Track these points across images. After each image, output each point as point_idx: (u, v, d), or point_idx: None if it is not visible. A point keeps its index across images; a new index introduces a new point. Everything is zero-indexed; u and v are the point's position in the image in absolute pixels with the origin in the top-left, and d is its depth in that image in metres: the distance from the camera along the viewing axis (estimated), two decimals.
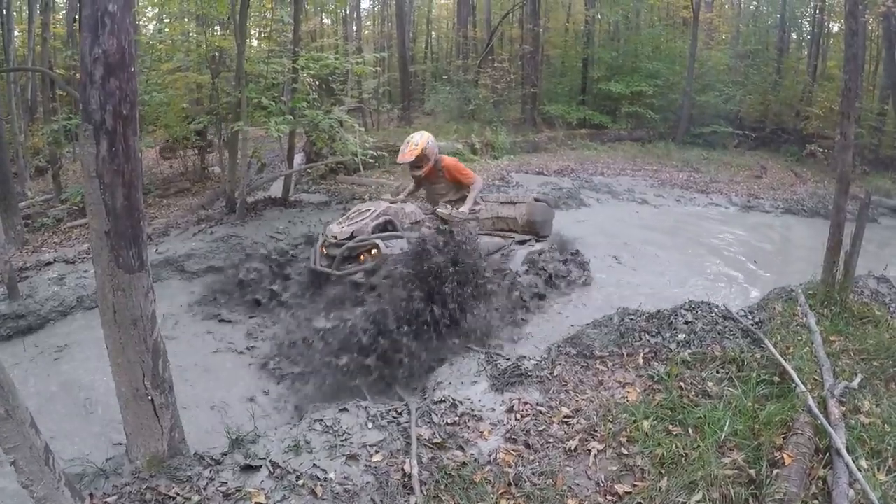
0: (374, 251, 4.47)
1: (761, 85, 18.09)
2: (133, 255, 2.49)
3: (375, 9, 27.08)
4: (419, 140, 4.99)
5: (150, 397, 2.66)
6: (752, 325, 4.55)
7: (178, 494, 2.55)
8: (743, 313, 4.87)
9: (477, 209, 5.42)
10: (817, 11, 18.54)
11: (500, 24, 19.18)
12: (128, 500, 2.50)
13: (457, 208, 5.08)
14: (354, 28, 23.80)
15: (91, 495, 2.51)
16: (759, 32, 20.16)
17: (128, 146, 2.43)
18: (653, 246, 7.39)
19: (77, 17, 14.68)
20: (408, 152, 4.94)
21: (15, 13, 12.02)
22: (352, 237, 4.61)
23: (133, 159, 2.47)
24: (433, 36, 27.51)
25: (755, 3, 22.13)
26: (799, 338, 4.36)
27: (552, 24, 20.06)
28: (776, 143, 17.04)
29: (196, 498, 2.55)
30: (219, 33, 9.80)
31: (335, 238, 4.67)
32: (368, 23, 26.91)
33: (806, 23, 20.23)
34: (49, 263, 5.93)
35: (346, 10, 23.69)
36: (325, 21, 23.33)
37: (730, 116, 17.23)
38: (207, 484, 2.63)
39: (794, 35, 20.88)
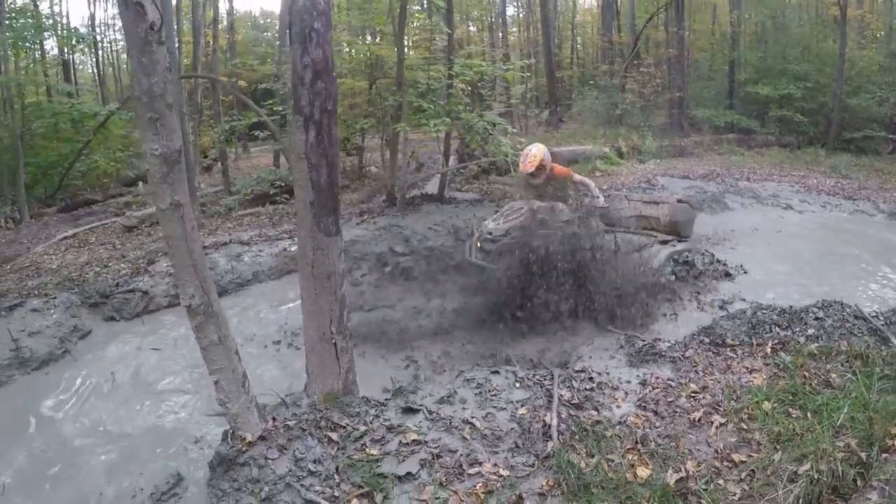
0: None
1: None
2: (332, 221, 3.08)
3: (520, 15, 27.56)
4: (536, 152, 5.28)
5: (333, 341, 3.19)
6: (882, 326, 4.45)
7: (348, 425, 3.03)
8: (874, 314, 4.75)
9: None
10: None
11: (644, 28, 18.77)
12: (304, 424, 2.99)
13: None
14: (500, 35, 24.42)
15: (273, 419, 3.03)
16: None
17: (331, 135, 3.02)
18: (794, 249, 7.29)
19: (287, 32, 16.94)
20: (528, 163, 5.25)
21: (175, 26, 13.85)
22: (507, 234, 5.02)
23: (334, 145, 3.06)
24: (579, 41, 27.39)
25: None
26: None
27: (697, 27, 19.46)
28: None
29: (363, 428, 3.01)
30: (370, 42, 10.70)
31: (490, 234, 5.13)
32: (514, 29, 27.44)
33: None
34: (225, 244, 6.84)
35: (491, 18, 24.46)
36: (472, 29, 24.29)
37: (884, 120, 15.65)
38: (373, 419, 3.10)
39: None
